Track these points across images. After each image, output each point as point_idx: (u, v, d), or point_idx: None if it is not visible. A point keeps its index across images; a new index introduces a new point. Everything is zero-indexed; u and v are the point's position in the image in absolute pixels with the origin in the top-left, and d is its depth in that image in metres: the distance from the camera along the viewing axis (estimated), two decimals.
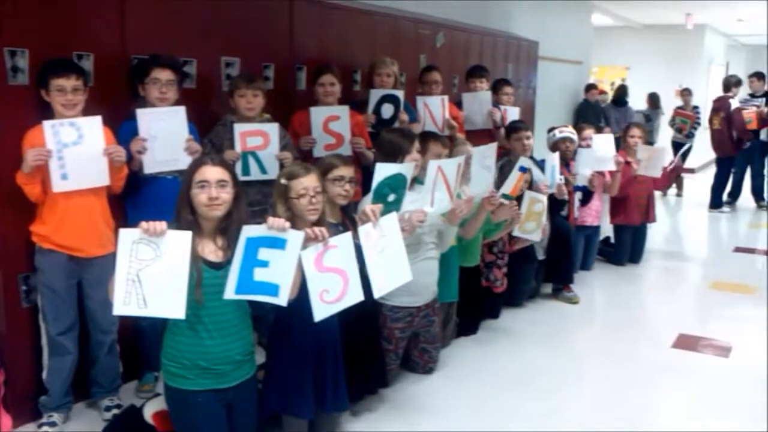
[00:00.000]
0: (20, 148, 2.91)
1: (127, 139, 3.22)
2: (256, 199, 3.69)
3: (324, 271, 2.65)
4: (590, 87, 10.46)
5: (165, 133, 3.26)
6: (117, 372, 3.35)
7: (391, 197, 3.20)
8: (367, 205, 2.99)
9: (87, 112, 3.02)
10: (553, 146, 5.42)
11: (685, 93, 10.76)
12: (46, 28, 3.07)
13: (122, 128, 3.26)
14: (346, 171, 3.15)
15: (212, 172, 2.57)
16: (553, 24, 9.12)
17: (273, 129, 3.70)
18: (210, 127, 3.70)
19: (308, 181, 2.85)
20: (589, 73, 11.24)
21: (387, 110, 4.46)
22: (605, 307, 5.38)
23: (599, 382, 3.89)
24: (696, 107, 10.68)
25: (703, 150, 11.38)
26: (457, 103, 5.36)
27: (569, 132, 5.48)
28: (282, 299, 2.51)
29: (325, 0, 4.72)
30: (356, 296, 2.74)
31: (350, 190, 3.16)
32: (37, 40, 3.03)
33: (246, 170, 3.65)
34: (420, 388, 3.68)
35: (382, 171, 3.17)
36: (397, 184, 3.22)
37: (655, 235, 7.07)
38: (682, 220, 9.12)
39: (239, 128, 3.64)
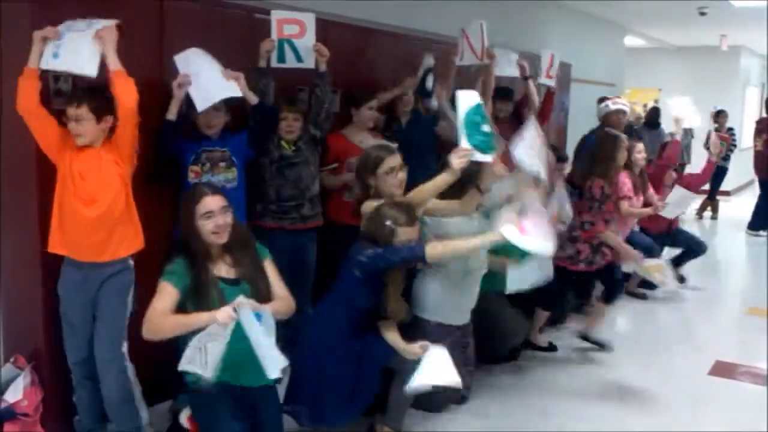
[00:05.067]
0: (61, 170, 2.97)
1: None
2: (292, 195, 3.77)
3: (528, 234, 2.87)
4: None
5: (203, 69, 3.32)
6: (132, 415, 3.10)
7: (486, 128, 3.12)
8: (454, 154, 3.06)
9: None
10: (605, 118, 5.36)
11: (720, 115, 10.65)
12: None
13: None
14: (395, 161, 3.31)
15: (214, 202, 2.73)
16: (585, 46, 9.09)
17: (310, 18, 3.71)
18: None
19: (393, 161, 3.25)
20: (621, 95, 11.17)
21: (431, 81, 4.57)
22: (639, 332, 5.31)
23: (634, 410, 3.83)
24: (731, 129, 10.55)
25: (738, 173, 11.23)
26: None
27: (623, 104, 5.38)
28: (274, 373, 2.60)
29: (358, 24, 4.78)
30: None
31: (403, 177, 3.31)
32: None
33: (282, 58, 3.68)
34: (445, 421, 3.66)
35: (466, 99, 3.12)
36: (482, 114, 3.16)
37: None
38: (718, 243, 8.98)
39: (276, 15, 3.67)
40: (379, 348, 3.13)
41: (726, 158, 9.99)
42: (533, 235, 2.92)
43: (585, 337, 4.66)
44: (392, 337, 3.16)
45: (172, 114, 3.32)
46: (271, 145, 3.78)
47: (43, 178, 3.05)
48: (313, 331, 3.21)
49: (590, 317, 4.70)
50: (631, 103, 13.00)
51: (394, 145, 3.52)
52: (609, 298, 4.59)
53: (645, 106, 13.77)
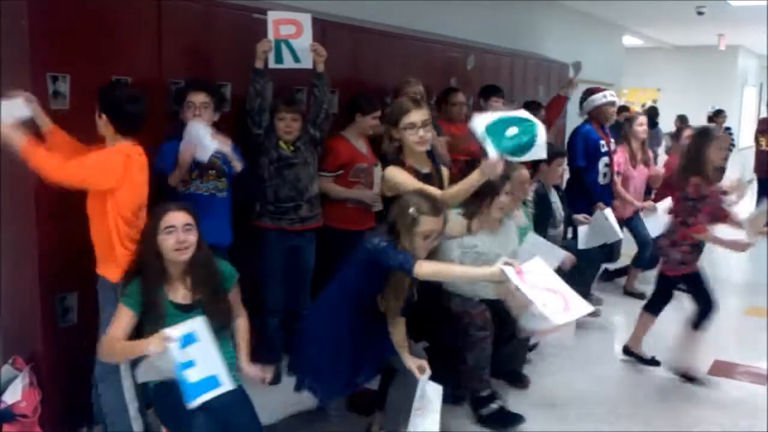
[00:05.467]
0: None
1: (171, 158, 3.31)
2: (290, 196, 3.77)
3: (528, 285, 2.63)
4: (622, 109, 10.40)
5: (200, 132, 3.30)
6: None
7: (512, 130, 2.93)
8: (484, 164, 2.94)
9: None
10: (596, 110, 5.38)
11: (718, 115, 10.67)
12: (86, 54, 3.15)
13: (165, 147, 3.36)
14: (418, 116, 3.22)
15: (178, 217, 2.67)
16: (583, 45, 9.11)
17: (306, 19, 3.69)
18: (246, 148, 3.75)
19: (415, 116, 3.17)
20: (620, 95, 11.19)
21: None
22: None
23: (633, 410, 3.83)
24: (728, 128, 10.57)
25: (736, 172, 11.20)
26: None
27: (611, 94, 5.40)
28: (226, 385, 2.53)
29: (356, 24, 4.78)
30: (584, 308, 2.68)
31: (425, 135, 3.23)
32: (78, 66, 3.10)
33: (279, 59, 3.67)
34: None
35: (481, 120, 3.01)
36: (505, 119, 3.01)
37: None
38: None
39: (272, 15, 3.65)
40: (382, 339, 3.08)
41: (725, 157, 10.02)
42: (533, 288, 2.68)
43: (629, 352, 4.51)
44: (398, 337, 3.10)
45: (174, 181, 3.35)
46: (269, 144, 3.78)
47: (41, 180, 3.04)
48: (317, 308, 3.18)
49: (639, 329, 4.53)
50: (629, 102, 13.08)
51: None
52: (703, 319, 4.20)
53: (643, 105, 13.80)
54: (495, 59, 6.47)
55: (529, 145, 2.94)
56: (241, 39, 3.80)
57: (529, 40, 7.76)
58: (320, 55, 3.75)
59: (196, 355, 2.51)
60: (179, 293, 2.73)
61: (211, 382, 2.52)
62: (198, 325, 2.55)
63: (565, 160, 4.83)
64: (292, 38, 3.66)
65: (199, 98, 3.38)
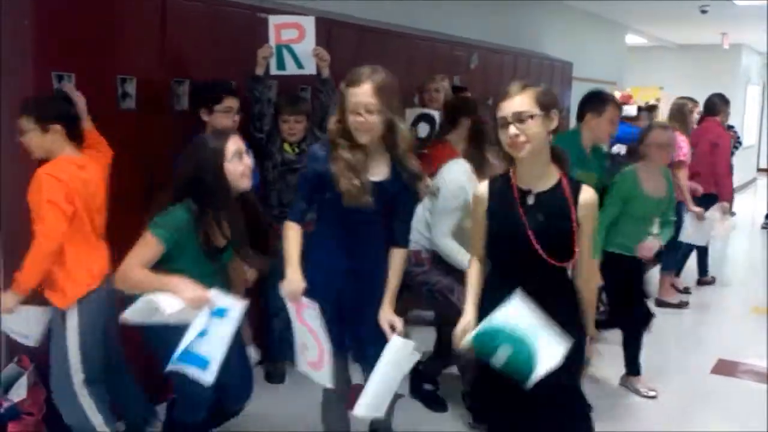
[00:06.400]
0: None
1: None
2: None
3: (303, 324, 2.44)
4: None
5: None
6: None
7: (504, 350, 2.15)
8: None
9: (129, 133, 3.06)
10: (627, 118, 5.37)
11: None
12: (90, 53, 3.15)
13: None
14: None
15: (240, 143, 2.55)
16: (586, 44, 9.10)
17: (309, 22, 3.60)
18: (251, 150, 3.74)
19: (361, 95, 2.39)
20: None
21: (423, 129, 4.45)
22: None
23: (636, 407, 3.83)
24: (731, 127, 10.54)
25: (740, 171, 11.19)
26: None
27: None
28: (209, 375, 2.35)
29: (361, 23, 4.78)
30: (325, 379, 2.44)
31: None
32: (82, 65, 3.11)
33: (281, 65, 3.59)
34: None
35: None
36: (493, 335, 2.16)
37: (693, 256, 6.95)
38: (721, 242, 8.98)
39: (274, 20, 3.58)
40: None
41: (731, 154, 10.01)
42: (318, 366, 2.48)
43: None
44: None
45: None
46: (273, 148, 3.76)
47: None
48: None
49: None
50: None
51: None
52: None
53: (646, 104, 13.77)
54: (498, 58, 6.47)
55: (525, 374, 2.15)
56: (246, 38, 3.80)
57: (532, 38, 7.75)
58: (323, 60, 3.66)
59: (213, 330, 2.35)
60: (216, 236, 2.51)
61: (203, 362, 2.33)
62: (239, 307, 2.37)
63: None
64: (294, 43, 3.57)
65: (236, 103, 3.37)
